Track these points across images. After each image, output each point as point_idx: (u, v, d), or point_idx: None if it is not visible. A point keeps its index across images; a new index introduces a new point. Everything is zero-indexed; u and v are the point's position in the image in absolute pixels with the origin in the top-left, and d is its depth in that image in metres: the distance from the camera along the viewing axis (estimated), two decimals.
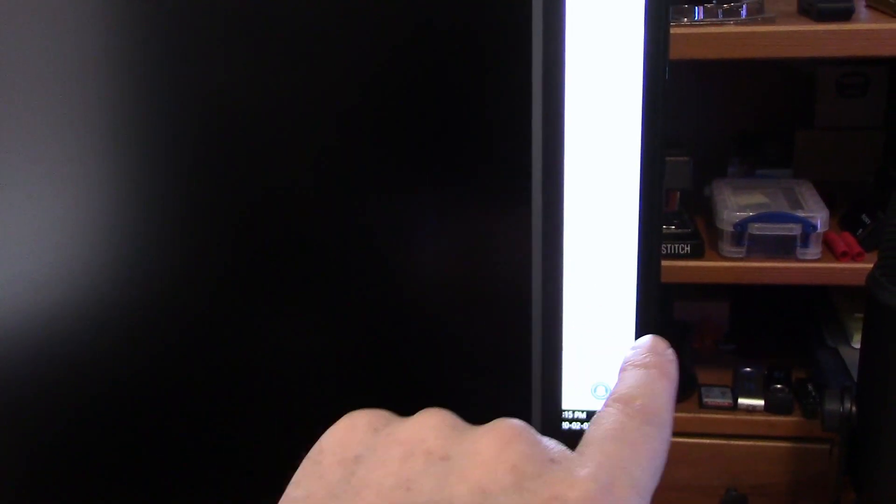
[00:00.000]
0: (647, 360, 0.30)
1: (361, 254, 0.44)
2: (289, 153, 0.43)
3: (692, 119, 1.12)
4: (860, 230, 0.93)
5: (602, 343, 0.69)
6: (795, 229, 0.88)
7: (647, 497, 0.26)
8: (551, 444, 0.26)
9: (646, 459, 0.26)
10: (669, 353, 0.30)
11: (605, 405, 0.28)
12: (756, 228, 0.89)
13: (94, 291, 0.45)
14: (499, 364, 0.47)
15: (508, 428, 0.26)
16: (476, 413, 0.48)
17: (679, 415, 1.00)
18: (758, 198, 0.94)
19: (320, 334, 0.46)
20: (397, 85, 0.41)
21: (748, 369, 1.02)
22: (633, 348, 0.31)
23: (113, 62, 0.42)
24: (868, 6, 0.91)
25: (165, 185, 0.43)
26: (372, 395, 0.42)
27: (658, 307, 0.67)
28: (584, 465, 0.25)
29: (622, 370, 0.30)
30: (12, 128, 0.43)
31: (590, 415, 0.78)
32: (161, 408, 0.47)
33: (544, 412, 0.49)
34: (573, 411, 0.75)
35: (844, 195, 1.05)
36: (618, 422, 0.27)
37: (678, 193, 0.95)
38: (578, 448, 0.26)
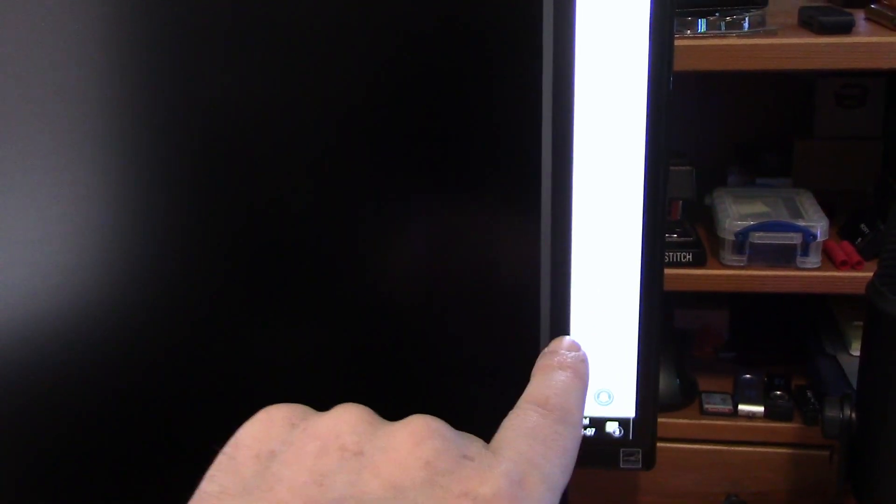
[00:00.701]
0: (561, 361, 0.31)
1: (366, 259, 0.44)
2: (293, 156, 0.43)
3: (692, 128, 1.13)
4: (859, 239, 0.94)
5: (605, 350, 0.69)
6: (796, 238, 0.89)
7: (558, 492, 0.26)
8: (466, 441, 0.27)
9: (557, 456, 0.27)
10: (582, 354, 0.32)
11: (519, 405, 0.29)
12: (757, 237, 0.90)
13: (94, 296, 0.45)
14: (508, 371, 0.47)
15: (423, 424, 0.26)
16: (485, 420, 0.48)
17: (680, 421, 1.01)
18: (758, 207, 0.96)
19: (323, 338, 0.46)
20: (405, 90, 0.42)
21: (748, 376, 1.03)
22: (548, 351, 0.32)
23: (114, 70, 0.42)
24: (867, 18, 0.93)
25: (164, 190, 0.43)
26: (379, 402, 0.42)
27: (661, 315, 0.68)
28: (497, 461, 0.26)
29: (535, 371, 0.31)
30: (13, 134, 0.43)
31: (593, 421, 0.78)
32: (160, 409, 0.47)
33: None
34: None
35: (843, 204, 1.06)
36: (531, 420, 0.28)
37: (680, 203, 0.96)
38: (492, 445, 0.27)
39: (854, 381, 0.91)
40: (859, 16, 0.94)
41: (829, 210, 0.99)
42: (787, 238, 0.89)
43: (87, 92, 0.42)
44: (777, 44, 0.82)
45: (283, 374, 0.46)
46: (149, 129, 0.42)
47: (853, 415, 0.75)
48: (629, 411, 0.69)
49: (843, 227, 1.00)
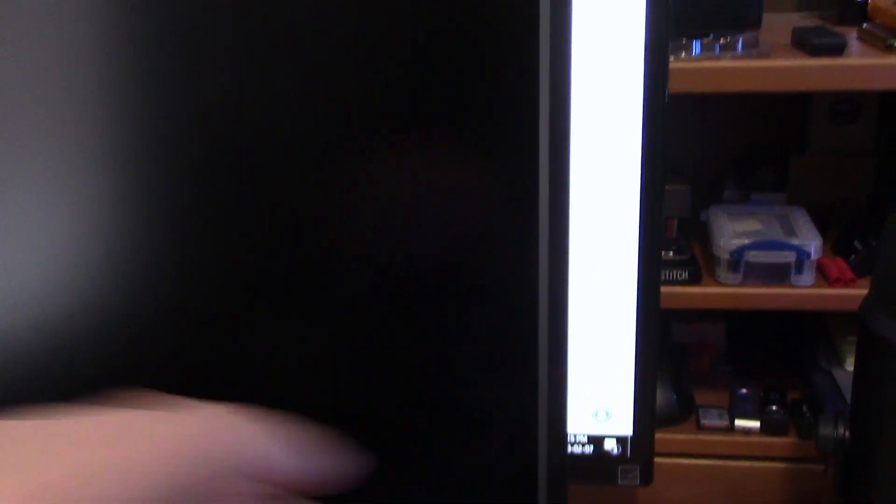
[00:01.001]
0: None
1: (365, 256, 0.44)
2: (293, 154, 0.43)
3: (688, 144, 1.14)
4: (853, 256, 0.96)
5: (603, 369, 0.70)
6: (790, 257, 0.91)
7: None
8: None
9: (145, 457, 0.22)
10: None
11: None
12: (752, 256, 0.91)
13: (97, 298, 0.45)
14: (505, 389, 0.48)
15: None
16: (483, 438, 0.49)
17: (677, 436, 1.03)
18: (753, 225, 0.97)
19: (324, 331, 0.46)
20: (401, 94, 0.42)
21: (744, 391, 1.04)
22: None
23: (117, 71, 0.42)
24: (859, 38, 0.94)
25: (168, 191, 0.44)
26: (376, 398, 0.43)
27: (658, 334, 0.68)
28: None
29: None
30: (18, 136, 0.43)
31: (591, 439, 0.79)
32: None
33: (550, 436, 0.51)
34: (575, 435, 0.76)
35: (838, 218, 1.07)
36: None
37: (676, 221, 0.97)
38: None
39: (848, 396, 0.92)
40: (851, 35, 0.95)
41: (824, 224, 1.00)
42: (782, 256, 0.91)
43: (90, 93, 0.42)
44: (770, 66, 0.83)
45: (284, 373, 0.47)
46: (153, 130, 0.43)
47: (847, 433, 0.76)
48: (627, 429, 0.71)
49: (837, 242, 1.01)
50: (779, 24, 0.99)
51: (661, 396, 1.02)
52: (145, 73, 0.42)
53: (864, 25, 0.94)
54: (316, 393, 0.47)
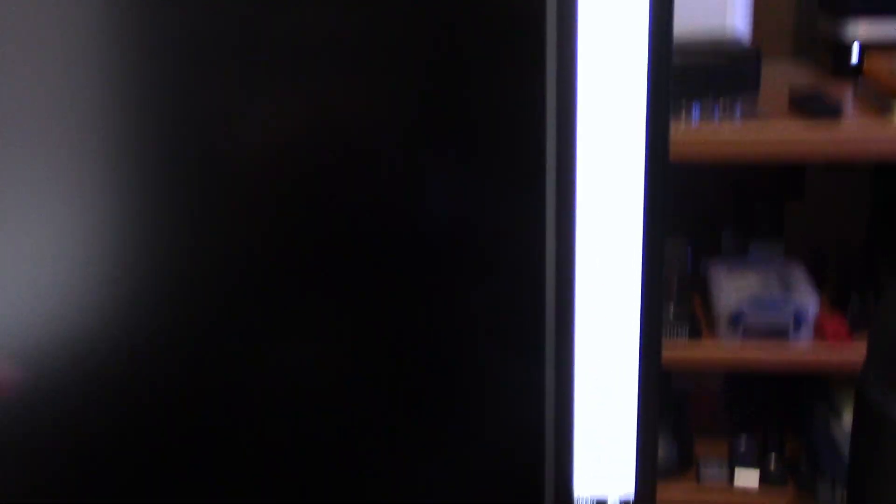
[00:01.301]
0: None
1: (368, 266, 0.44)
2: (298, 151, 0.43)
3: (686, 191, 1.15)
4: (849, 309, 0.97)
5: (604, 431, 0.71)
6: (788, 316, 0.92)
7: None
8: None
9: None
10: None
11: None
12: (751, 316, 0.92)
13: (101, 304, 0.45)
14: (513, 454, 0.49)
15: None
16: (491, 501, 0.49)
17: (678, 492, 1.04)
18: (751, 280, 0.98)
19: (329, 333, 0.46)
20: (406, 99, 0.42)
21: (744, 440, 1.06)
22: None
23: (124, 76, 0.42)
24: (855, 98, 0.95)
25: (172, 197, 0.43)
26: (378, 401, 0.42)
27: (659, 398, 0.69)
28: None
29: None
30: (25, 141, 0.43)
31: (595, 500, 0.80)
32: (168, 418, 0.48)
33: (557, 498, 0.52)
34: (578, 497, 0.77)
35: (835, 263, 1.08)
36: None
37: (676, 277, 0.99)
38: None
39: (845, 448, 0.93)
40: (846, 92, 0.96)
41: (821, 271, 1.01)
42: (780, 316, 0.92)
43: (97, 101, 0.42)
44: (767, 139, 0.85)
45: (286, 373, 0.46)
46: (158, 137, 0.43)
47: (844, 494, 0.77)
48: (629, 488, 0.72)
49: (834, 293, 1.02)
50: (776, 74, 1.00)
51: (662, 447, 1.04)
52: (156, 80, 0.42)
53: (859, 83, 0.95)
54: (322, 399, 0.47)
